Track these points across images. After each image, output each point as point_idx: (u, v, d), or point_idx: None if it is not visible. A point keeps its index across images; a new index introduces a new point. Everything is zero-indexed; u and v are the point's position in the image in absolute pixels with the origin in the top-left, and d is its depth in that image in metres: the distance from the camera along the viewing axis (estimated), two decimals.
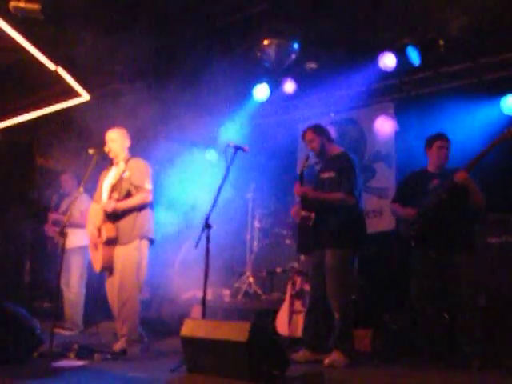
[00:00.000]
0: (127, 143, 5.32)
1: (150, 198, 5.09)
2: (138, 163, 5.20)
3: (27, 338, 4.28)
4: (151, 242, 5.17)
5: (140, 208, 5.07)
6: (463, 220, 4.74)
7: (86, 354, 4.59)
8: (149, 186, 5.06)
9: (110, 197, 5.09)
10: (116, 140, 5.23)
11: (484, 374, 4.31)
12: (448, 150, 4.92)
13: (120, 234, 5.00)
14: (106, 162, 5.36)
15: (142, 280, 5.05)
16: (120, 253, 4.99)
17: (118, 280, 4.95)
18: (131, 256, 4.98)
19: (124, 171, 5.07)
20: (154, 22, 6.26)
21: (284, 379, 3.64)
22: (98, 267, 5.07)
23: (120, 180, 5.07)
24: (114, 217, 5.02)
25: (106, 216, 5.05)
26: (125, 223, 5.03)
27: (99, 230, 5.02)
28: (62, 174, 7.39)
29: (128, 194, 5.04)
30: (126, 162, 5.14)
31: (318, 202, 4.82)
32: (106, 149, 5.17)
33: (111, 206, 4.96)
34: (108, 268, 5.04)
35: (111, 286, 5.06)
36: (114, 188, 5.09)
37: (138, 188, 5.03)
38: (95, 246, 5.10)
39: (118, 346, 4.86)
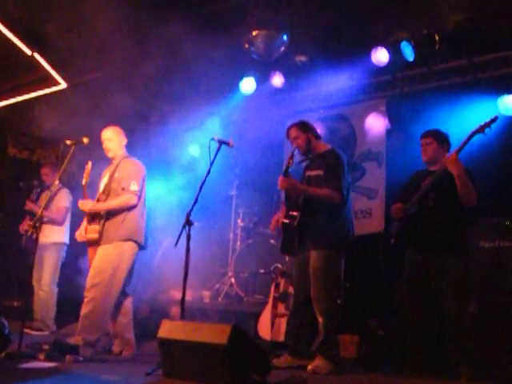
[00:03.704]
0: (124, 141, 5.32)
1: (133, 200, 5.01)
2: (128, 163, 5.17)
3: None
4: (139, 246, 5.09)
5: (129, 209, 5.02)
6: (451, 220, 4.67)
7: (56, 356, 4.52)
8: (134, 187, 5.00)
9: (98, 198, 5.07)
10: (112, 138, 5.24)
11: None
12: (428, 145, 4.87)
13: (104, 234, 4.97)
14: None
15: (118, 285, 4.92)
16: (99, 252, 4.95)
17: (88, 277, 4.89)
18: (108, 256, 4.91)
19: (115, 172, 5.09)
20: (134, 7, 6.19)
21: None
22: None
23: (110, 181, 5.08)
24: (98, 217, 4.99)
25: (90, 216, 5.04)
26: (111, 224, 4.99)
27: (85, 230, 5.05)
28: (41, 167, 7.32)
29: (116, 196, 5.02)
30: (119, 162, 5.15)
31: (304, 200, 4.79)
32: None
33: (87, 206, 4.96)
34: None
35: None
36: (103, 189, 5.09)
37: (124, 189, 5.01)
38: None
39: (73, 340, 4.76)
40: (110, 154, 5.25)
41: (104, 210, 4.99)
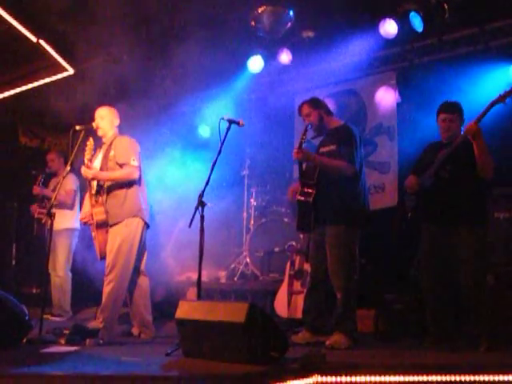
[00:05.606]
0: (116, 121, 5.30)
1: (136, 174, 5.07)
2: (123, 141, 5.18)
3: (16, 324, 4.30)
4: (146, 223, 5.15)
5: (128, 185, 5.07)
6: (468, 192, 4.64)
7: (77, 340, 4.62)
8: (135, 162, 5.04)
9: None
10: (105, 117, 5.22)
11: (491, 355, 4.29)
12: (453, 122, 4.79)
13: (110, 215, 5.02)
14: (95, 140, 5.35)
15: (133, 261, 5.01)
16: (110, 234, 5.02)
17: (107, 261, 4.97)
18: (121, 235, 4.98)
19: (109, 151, 5.10)
20: None
21: (283, 361, 3.68)
22: (98, 256, 5.13)
23: (105, 160, 5.09)
24: (101, 197, 5.04)
25: (94, 199, 5.06)
26: (113, 203, 5.04)
27: (91, 215, 5.06)
28: (47, 153, 7.37)
29: None
30: (112, 141, 5.16)
31: (318, 177, 4.81)
32: (94, 125, 5.17)
33: (90, 173, 4.96)
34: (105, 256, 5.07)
35: None
36: (100, 169, 5.10)
37: (123, 166, 5.04)
38: (93, 234, 5.14)
39: (92, 324, 4.91)
40: (99, 132, 5.22)
41: (107, 179, 5.03)
